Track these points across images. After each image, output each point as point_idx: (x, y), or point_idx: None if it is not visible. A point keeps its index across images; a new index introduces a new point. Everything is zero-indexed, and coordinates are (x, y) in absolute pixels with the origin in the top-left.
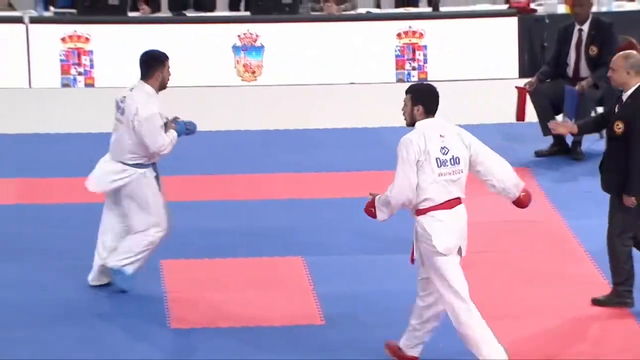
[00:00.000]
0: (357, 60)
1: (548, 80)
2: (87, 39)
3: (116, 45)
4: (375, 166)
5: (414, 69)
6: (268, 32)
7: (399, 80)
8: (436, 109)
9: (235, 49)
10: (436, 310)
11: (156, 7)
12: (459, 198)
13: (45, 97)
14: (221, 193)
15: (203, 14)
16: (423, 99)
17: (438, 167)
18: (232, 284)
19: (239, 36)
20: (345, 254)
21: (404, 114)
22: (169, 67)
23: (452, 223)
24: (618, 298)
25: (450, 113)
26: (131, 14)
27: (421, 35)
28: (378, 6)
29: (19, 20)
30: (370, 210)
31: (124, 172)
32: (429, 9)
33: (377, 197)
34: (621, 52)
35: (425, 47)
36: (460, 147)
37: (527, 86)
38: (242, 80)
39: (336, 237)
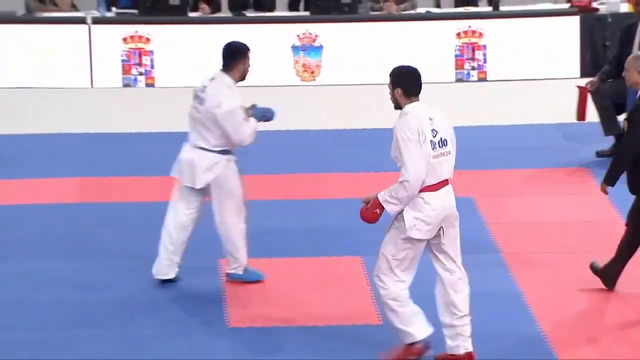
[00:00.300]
0: (416, 60)
1: (610, 80)
2: (148, 39)
3: (176, 45)
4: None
5: (473, 68)
6: (327, 32)
7: (458, 80)
8: (418, 91)
9: (295, 48)
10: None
11: (216, 8)
12: (446, 180)
13: (106, 97)
14: (281, 192)
15: (263, 14)
16: (402, 81)
17: (432, 149)
18: (290, 283)
19: (298, 36)
20: None
21: (390, 98)
22: (249, 59)
23: (437, 207)
24: None
25: (510, 113)
26: (191, 14)
27: (481, 34)
28: (438, 5)
29: (81, 21)
30: (373, 213)
31: (215, 165)
32: (489, 8)
33: (380, 194)
34: (635, 54)
35: (484, 46)
36: (447, 128)
37: (589, 86)
38: (302, 80)
39: None
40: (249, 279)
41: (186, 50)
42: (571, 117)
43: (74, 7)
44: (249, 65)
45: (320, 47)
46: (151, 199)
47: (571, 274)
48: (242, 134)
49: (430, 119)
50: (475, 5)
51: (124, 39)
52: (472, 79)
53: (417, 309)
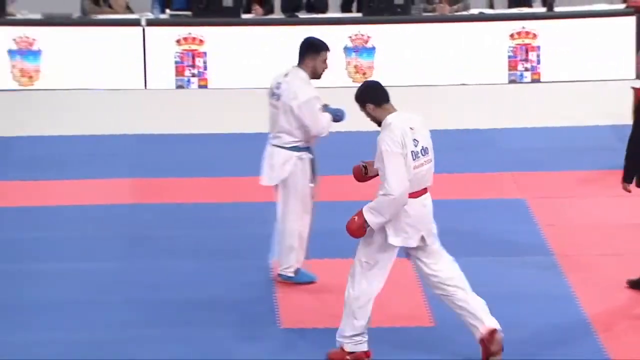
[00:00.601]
0: (469, 61)
1: None
2: (201, 41)
3: (229, 46)
4: (487, 168)
5: (526, 69)
6: (379, 33)
7: (511, 82)
8: (386, 97)
9: (347, 50)
10: (449, 277)
11: (269, 9)
12: (426, 188)
13: (159, 99)
14: (335, 194)
15: (315, 15)
16: (366, 97)
17: (413, 160)
18: (342, 284)
19: (350, 37)
20: (455, 255)
21: (370, 119)
22: (325, 59)
23: (418, 213)
24: None
25: (564, 114)
26: (244, 16)
27: (535, 35)
28: (491, 6)
29: (136, 23)
30: (359, 228)
31: (286, 163)
32: (543, 9)
33: (365, 208)
34: None
35: (538, 47)
36: (427, 136)
37: None
38: (353, 81)
39: (445, 238)
40: (299, 281)
41: (239, 52)
42: (626, 119)
43: (128, 9)
44: (322, 64)
45: (373, 48)
46: (204, 200)
47: (623, 277)
48: (320, 124)
49: (411, 129)
50: (530, 6)
51: (178, 41)
52: (525, 80)
53: (367, 319)
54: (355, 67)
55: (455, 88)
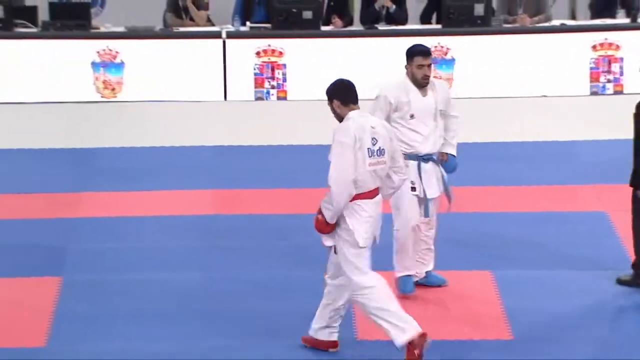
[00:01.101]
0: (550, 73)
1: None
2: (281, 53)
3: (309, 58)
4: (568, 180)
5: (609, 81)
6: (459, 45)
7: (593, 93)
8: (354, 99)
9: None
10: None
11: (349, 21)
12: (378, 188)
13: (239, 110)
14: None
15: (394, 27)
16: (337, 93)
17: (369, 157)
18: (420, 296)
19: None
20: (535, 268)
21: (333, 115)
22: (419, 64)
23: (373, 214)
24: None
25: None
26: (324, 28)
27: (618, 47)
28: (573, 17)
29: (217, 35)
30: (324, 227)
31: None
32: (627, 20)
33: (321, 205)
34: None
35: (621, 59)
36: (386, 139)
37: None
38: None
39: (526, 251)
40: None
41: (318, 64)
42: None
43: (209, 22)
44: (417, 69)
45: (452, 60)
46: (282, 211)
47: None
48: None
49: (372, 127)
50: (612, 17)
51: (257, 53)
52: (607, 92)
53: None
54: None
55: (535, 100)
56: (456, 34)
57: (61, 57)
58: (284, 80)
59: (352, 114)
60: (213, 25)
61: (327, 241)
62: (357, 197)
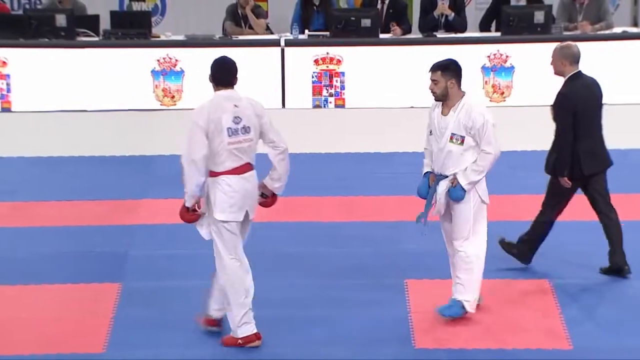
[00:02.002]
0: (611, 81)
1: None
2: (339, 61)
3: (367, 66)
4: (627, 188)
5: None
6: (519, 53)
7: None
8: (228, 81)
9: (485, 69)
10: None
11: (407, 29)
12: (248, 164)
13: (297, 118)
14: None
15: (453, 35)
16: (212, 74)
17: (229, 136)
18: (478, 305)
19: (488, 57)
20: (594, 277)
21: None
22: (430, 78)
23: (239, 189)
24: None
25: None
26: (382, 36)
27: None
28: (635, 24)
29: (275, 43)
30: (185, 215)
31: None
32: None
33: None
34: (559, 44)
35: None
36: (252, 117)
37: None
38: (490, 100)
39: (585, 260)
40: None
41: (377, 72)
42: None
43: (268, 30)
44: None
45: (511, 67)
46: (339, 219)
47: None
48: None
49: (236, 106)
50: None
51: (315, 61)
52: None
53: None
54: (493, 86)
55: None
56: (515, 42)
57: (122, 66)
58: (342, 88)
59: (215, 95)
60: (272, 33)
61: (204, 234)
62: (221, 173)
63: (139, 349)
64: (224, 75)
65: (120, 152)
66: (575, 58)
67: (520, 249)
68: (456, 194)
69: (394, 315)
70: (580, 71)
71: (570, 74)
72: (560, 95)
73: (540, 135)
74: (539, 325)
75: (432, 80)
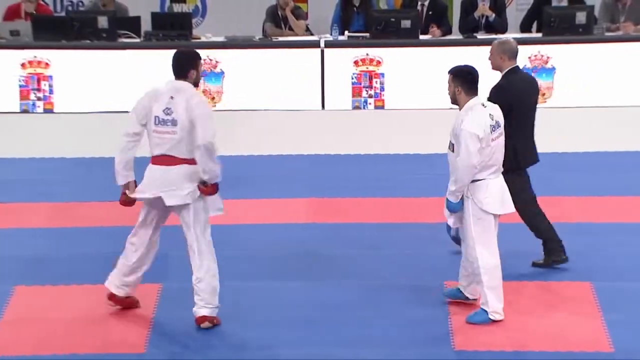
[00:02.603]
0: None
1: None
2: (378, 62)
3: (407, 67)
4: None
5: None
6: (560, 54)
7: None
8: (175, 72)
9: (525, 70)
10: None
11: (447, 30)
12: (171, 156)
13: (337, 119)
14: (505, 216)
15: (494, 36)
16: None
17: (155, 124)
18: (517, 306)
19: (529, 58)
20: (637, 280)
21: None
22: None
23: (149, 175)
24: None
25: None
26: (422, 37)
27: None
28: None
29: (315, 44)
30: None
31: None
32: None
33: None
34: (497, 40)
35: None
36: (182, 113)
37: None
38: None
39: (627, 262)
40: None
41: (417, 73)
42: None
43: (308, 32)
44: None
45: (552, 68)
46: (380, 220)
47: None
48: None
49: (172, 98)
50: None
51: (355, 62)
52: None
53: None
54: None
55: (636, 109)
56: (557, 43)
57: (163, 67)
58: (382, 89)
59: (158, 85)
60: (312, 34)
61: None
62: (151, 159)
63: (179, 349)
64: (172, 66)
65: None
66: (513, 53)
67: (552, 254)
68: (448, 206)
69: (433, 317)
70: (517, 66)
71: (508, 69)
72: (497, 87)
73: (581, 136)
74: (580, 327)
75: (448, 82)
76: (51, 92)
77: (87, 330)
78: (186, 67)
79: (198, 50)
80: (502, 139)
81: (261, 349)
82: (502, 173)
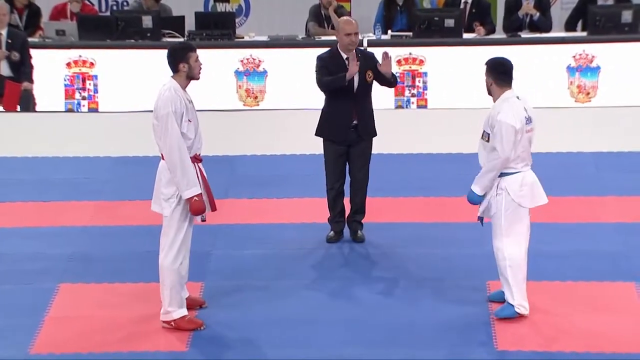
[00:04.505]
0: None
1: None
2: (421, 61)
3: (451, 66)
4: None
5: None
6: (605, 53)
7: None
8: (171, 69)
9: (570, 69)
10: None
11: (491, 29)
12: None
13: (379, 118)
14: (548, 215)
15: (538, 35)
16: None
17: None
18: (558, 307)
19: (574, 57)
20: None
21: None
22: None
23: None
24: None
25: None
26: (466, 36)
27: None
28: None
29: (358, 44)
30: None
31: None
32: None
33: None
34: None
35: None
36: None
37: None
38: (576, 101)
39: None
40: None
41: (460, 72)
42: None
43: None
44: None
45: (597, 67)
46: (420, 219)
47: None
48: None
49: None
50: None
51: (398, 61)
52: None
53: None
54: (579, 86)
55: None
56: (601, 42)
57: (206, 66)
58: (425, 88)
59: (170, 83)
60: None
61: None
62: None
63: (221, 348)
64: (169, 64)
65: (202, 152)
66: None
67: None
68: (468, 195)
69: (475, 316)
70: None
71: None
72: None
73: (626, 136)
74: (624, 328)
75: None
76: (96, 91)
77: (129, 328)
78: (176, 61)
79: (240, 50)
80: (533, 133)
81: (301, 348)
82: None
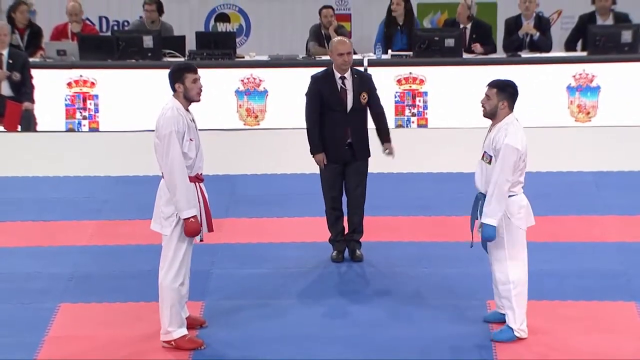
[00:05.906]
0: None
1: None
2: (422, 81)
3: (450, 86)
4: None
5: None
6: (605, 72)
7: None
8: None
9: (570, 89)
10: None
11: (491, 48)
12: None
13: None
14: (549, 235)
15: (538, 54)
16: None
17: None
18: (558, 326)
19: (574, 77)
20: None
21: None
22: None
23: None
24: None
25: None
26: (466, 56)
27: None
28: None
29: (358, 63)
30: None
31: None
32: None
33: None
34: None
35: None
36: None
37: None
38: (576, 120)
39: None
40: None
41: (460, 92)
42: None
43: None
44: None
45: (597, 87)
46: (421, 239)
47: None
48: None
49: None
50: None
51: (398, 80)
52: None
53: None
54: (579, 106)
55: None
56: (602, 61)
57: (206, 86)
58: (425, 107)
59: (172, 103)
60: (355, 53)
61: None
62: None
63: None
64: (170, 82)
65: (203, 171)
66: None
67: None
68: (484, 234)
69: (475, 335)
70: None
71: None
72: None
73: (626, 155)
74: (625, 348)
75: (486, 95)
76: (96, 111)
77: (130, 348)
78: (173, 81)
79: (241, 69)
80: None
81: None
82: None
